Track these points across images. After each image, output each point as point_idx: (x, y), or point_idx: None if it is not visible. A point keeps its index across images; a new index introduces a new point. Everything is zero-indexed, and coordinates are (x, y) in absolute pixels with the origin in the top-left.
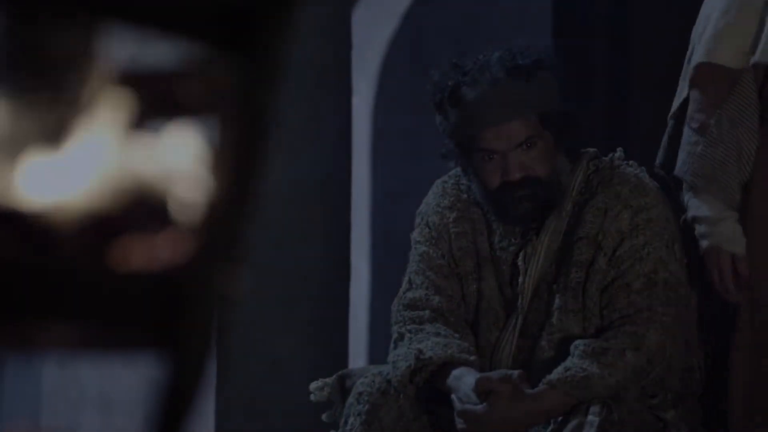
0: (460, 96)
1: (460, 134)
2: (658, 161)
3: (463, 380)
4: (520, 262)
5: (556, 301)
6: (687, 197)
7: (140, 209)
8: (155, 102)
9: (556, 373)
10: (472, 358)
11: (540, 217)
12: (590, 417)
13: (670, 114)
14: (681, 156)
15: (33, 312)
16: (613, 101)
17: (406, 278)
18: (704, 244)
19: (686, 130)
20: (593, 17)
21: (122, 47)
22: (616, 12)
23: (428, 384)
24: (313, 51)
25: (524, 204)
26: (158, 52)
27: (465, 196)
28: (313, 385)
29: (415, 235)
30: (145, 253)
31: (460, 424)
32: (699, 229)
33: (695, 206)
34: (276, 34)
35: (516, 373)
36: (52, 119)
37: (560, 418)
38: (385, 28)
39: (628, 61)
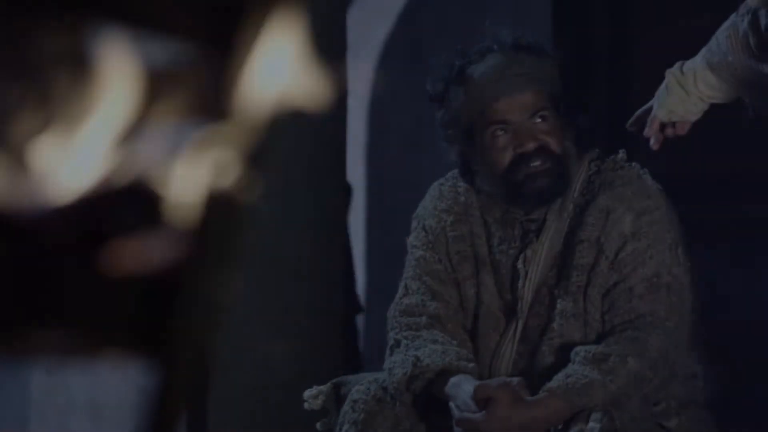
0: (468, 74)
1: (468, 113)
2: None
3: (462, 387)
4: (519, 266)
5: (557, 305)
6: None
7: (132, 211)
8: (148, 102)
9: (557, 379)
10: (471, 365)
11: (552, 197)
12: (591, 424)
13: None
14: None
15: (21, 317)
16: (614, 102)
17: (402, 284)
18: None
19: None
20: (594, 17)
21: (114, 47)
22: (616, 11)
23: (425, 391)
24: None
25: (539, 179)
26: (150, 51)
27: (463, 198)
28: (307, 393)
29: (411, 239)
30: (137, 257)
31: None
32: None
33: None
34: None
35: (515, 379)
36: (43, 120)
37: (561, 426)
38: (380, 28)
39: (629, 60)
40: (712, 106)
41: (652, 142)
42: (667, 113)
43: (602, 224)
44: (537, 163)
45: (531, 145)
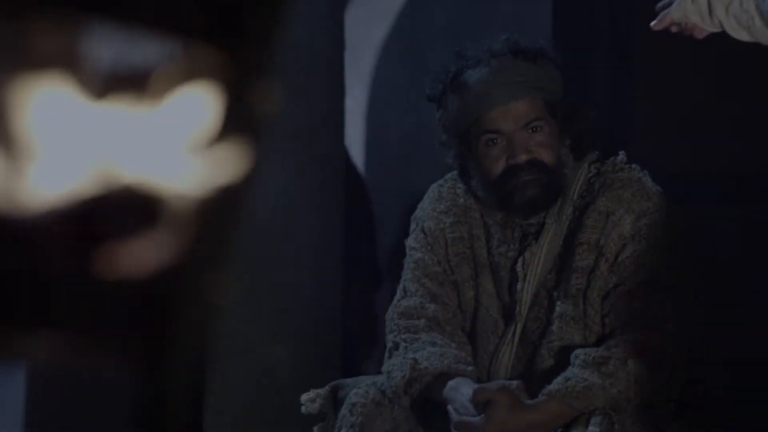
0: (464, 80)
1: (463, 120)
2: None
3: (460, 391)
4: (518, 268)
5: (557, 308)
6: None
7: (128, 212)
8: (143, 103)
9: (556, 383)
10: (470, 368)
11: (544, 207)
12: (591, 428)
13: None
14: None
15: (16, 320)
16: (615, 103)
17: (400, 286)
18: None
19: None
20: (594, 19)
21: (108, 45)
22: (617, 12)
23: (423, 395)
24: (305, 52)
25: (530, 189)
26: (146, 50)
27: (462, 200)
28: (304, 397)
29: (410, 241)
30: (132, 259)
31: None
32: None
33: None
34: (268, 34)
35: (515, 383)
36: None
37: (560, 430)
38: (379, 28)
39: (630, 62)
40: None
41: (653, 23)
42: (682, 17)
43: (602, 226)
44: (528, 176)
45: (523, 157)
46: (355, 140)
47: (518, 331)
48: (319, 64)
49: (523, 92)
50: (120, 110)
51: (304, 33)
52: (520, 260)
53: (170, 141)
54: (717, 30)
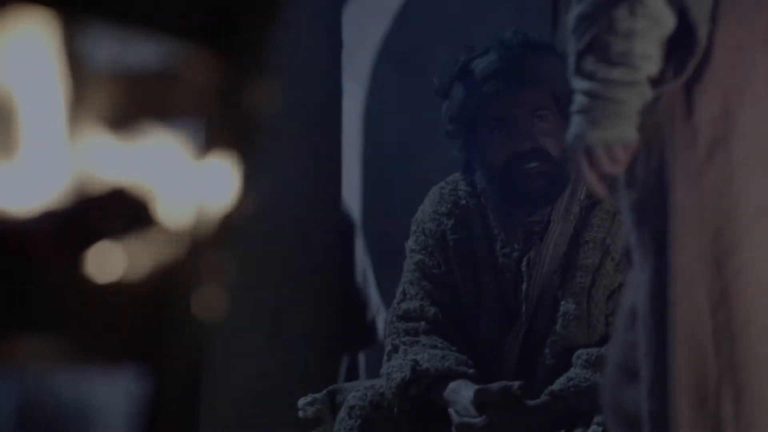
0: (471, 69)
1: (469, 107)
2: None
3: (461, 392)
4: (524, 268)
5: (561, 308)
6: None
7: (119, 215)
8: (139, 103)
9: (559, 383)
10: (471, 371)
11: (548, 199)
12: (593, 428)
13: None
14: None
15: (10, 324)
16: None
17: (400, 288)
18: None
19: None
20: None
21: (105, 46)
22: None
23: (423, 397)
24: (302, 51)
25: (535, 180)
26: (142, 51)
27: (463, 202)
28: (301, 402)
29: (410, 243)
30: (127, 262)
31: None
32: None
33: None
34: (263, 33)
35: (516, 384)
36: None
37: (563, 430)
38: (376, 27)
39: None
40: None
41: None
42: None
43: (608, 225)
44: (533, 164)
45: (527, 146)
46: (352, 140)
47: (523, 331)
48: (316, 64)
49: (530, 81)
50: (117, 110)
51: (301, 33)
52: (525, 260)
53: (165, 139)
54: None
